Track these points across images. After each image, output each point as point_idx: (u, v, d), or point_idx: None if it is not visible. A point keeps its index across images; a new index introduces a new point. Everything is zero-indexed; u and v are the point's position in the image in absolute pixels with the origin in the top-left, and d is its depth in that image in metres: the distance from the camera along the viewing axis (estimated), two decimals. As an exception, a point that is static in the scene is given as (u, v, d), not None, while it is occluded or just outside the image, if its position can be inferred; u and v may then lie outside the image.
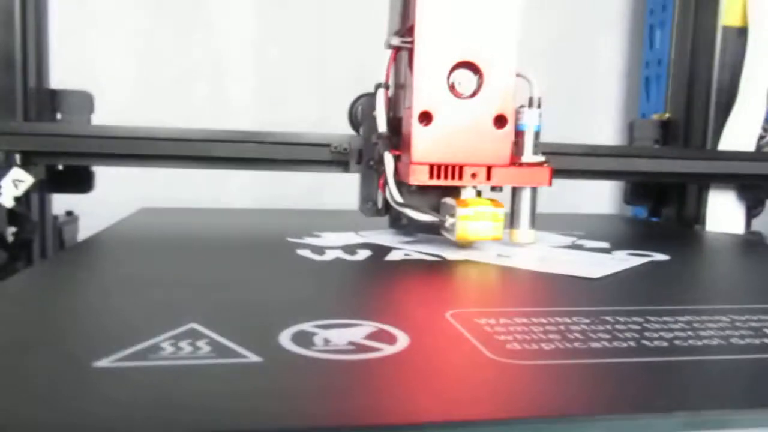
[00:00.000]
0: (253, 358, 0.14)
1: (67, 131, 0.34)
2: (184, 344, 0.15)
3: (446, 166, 0.29)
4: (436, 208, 0.30)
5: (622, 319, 0.18)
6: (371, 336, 0.16)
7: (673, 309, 0.19)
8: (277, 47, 0.74)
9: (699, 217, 0.46)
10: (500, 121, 0.29)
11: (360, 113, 0.36)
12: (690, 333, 0.17)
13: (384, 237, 0.34)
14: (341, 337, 0.16)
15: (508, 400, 0.13)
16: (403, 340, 0.15)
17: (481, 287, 0.24)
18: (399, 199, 0.30)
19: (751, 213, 0.45)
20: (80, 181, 0.40)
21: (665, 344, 0.16)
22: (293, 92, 0.74)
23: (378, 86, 0.32)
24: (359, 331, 0.16)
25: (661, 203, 0.50)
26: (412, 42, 0.29)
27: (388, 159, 0.31)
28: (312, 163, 0.36)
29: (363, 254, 0.28)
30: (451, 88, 0.29)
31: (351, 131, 0.38)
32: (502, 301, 0.21)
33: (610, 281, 0.24)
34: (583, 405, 0.12)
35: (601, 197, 0.74)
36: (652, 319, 0.18)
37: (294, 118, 0.71)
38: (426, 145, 0.29)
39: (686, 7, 0.46)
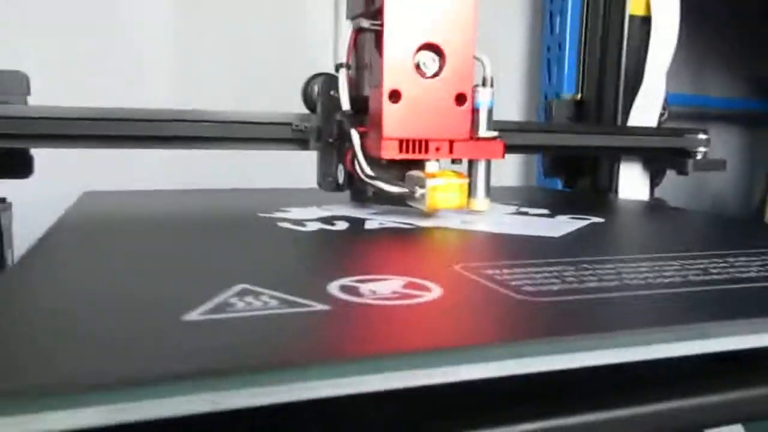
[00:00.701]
0: (320, 306, 0.16)
1: (5, 113, 0.32)
2: (250, 299, 0.16)
3: (414, 141, 0.31)
4: (400, 181, 0.33)
5: (598, 266, 0.21)
6: (407, 286, 0.18)
7: (631, 257, 0.23)
8: (197, 26, 0.73)
9: (611, 187, 0.52)
10: (460, 99, 0.32)
11: (316, 92, 0.38)
12: (654, 273, 0.20)
13: (349, 209, 0.36)
14: (383, 288, 0.18)
15: (547, 324, 0.15)
16: (435, 289, 0.18)
17: (468, 246, 0.26)
18: (370, 172, 0.32)
19: (654, 182, 0.52)
20: (18, 165, 0.39)
21: (637, 281, 0.19)
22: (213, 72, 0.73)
23: (339, 66, 0.34)
24: (394, 284, 0.18)
25: (576, 175, 0.55)
26: (380, 25, 0.31)
27: (355, 136, 0.33)
28: (274, 141, 0.38)
29: (342, 225, 0.30)
30: (416, 68, 0.31)
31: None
32: (494, 256, 0.24)
33: (571, 238, 0.28)
34: (602, 325, 0.15)
35: (509, 172, 0.80)
36: (620, 264, 0.22)
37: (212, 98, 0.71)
38: (395, 121, 0.31)
39: (596, 4, 0.51)
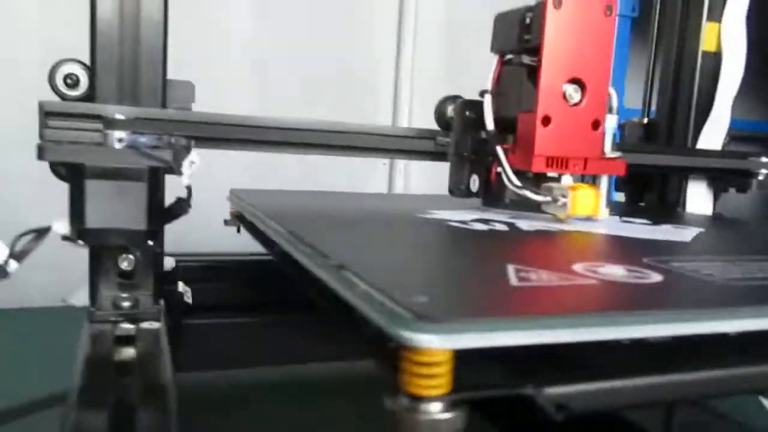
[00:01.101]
0: (585, 281, 0.22)
1: (232, 121, 0.39)
2: (533, 275, 0.22)
3: (558, 158, 0.38)
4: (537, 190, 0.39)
5: (744, 262, 0.27)
6: (629, 272, 0.24)
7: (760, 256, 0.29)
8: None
9: (678, 202, 0.58)
10: (596, 124, 0.39)
11: (448, 112, 0.44)
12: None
13: (484, 213, 0.42)
14: (614, 271, 0.24)
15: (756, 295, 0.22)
16: (653, 275, 0.24)
17: (632, 245, 0.32)
18: (518, 182, 0.38)
19: (716, 198, 0.58)
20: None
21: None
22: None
23: (483, 92, 0.41)
24: (617, 270, 0.24)
25: (642, 190, 0.61)
26: (538, 61, 0.37)
27: (501, 152, 0.39)
28: (418, 153, 0.44)
29: (501, 226, 0.36)
30: (563, 97, 0.38)
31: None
32: (663, 254, 0.30)
33: (700, 243, 0.34)
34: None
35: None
36: (753, 261, 0.28)
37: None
38: (545, 141, 0.37)
39: (671, 35, 0.58)
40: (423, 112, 0.97)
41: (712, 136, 0.57)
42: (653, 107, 0.62)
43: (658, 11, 0.61)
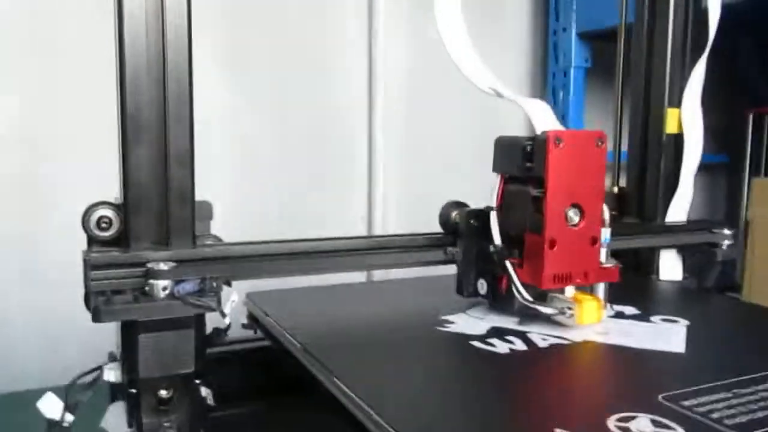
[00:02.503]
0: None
1: (264, 251, 0.41)
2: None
3: (562, 275, 0.42)
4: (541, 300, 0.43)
5: (753, 388, 0.32)
6: (657, 425, 0.28)
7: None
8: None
9: (649, 268, 0.64)
10: (593, 241, 0.43)
11: (460, 221, 0.48)
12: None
13: (497, 318, 0.45)
14: (644, 426, 0.28)
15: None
16: (677, 428, 0.28)
17: (639, 368, 0.37)
18: (528, 297, 0.42)
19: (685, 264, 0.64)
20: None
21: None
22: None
23: (490, 209, 0.45)
24: (648, 423, 0.29)
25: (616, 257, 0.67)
26: (543, 191, 0.41)
27: (510, 267, 0.43)
28: (429, 263, 0.47)
29: (518, 343, 0.40)
30: (566, 221, 0.42)
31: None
32: (670, 383, 0.34)
33: (693, 353, 0.38)
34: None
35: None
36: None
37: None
38: (552, 261, 0.42)
39: (636, 118, 0.64)
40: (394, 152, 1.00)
41: (679, 208, 0.63)
42: (621, 179, 0.68)
43: (620, 91, 0.66)
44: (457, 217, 0.48)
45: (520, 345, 0.40)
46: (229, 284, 0.40)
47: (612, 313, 0.47)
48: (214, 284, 0.38)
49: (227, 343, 0.58)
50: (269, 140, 0.93)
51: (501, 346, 0.39)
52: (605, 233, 0.44)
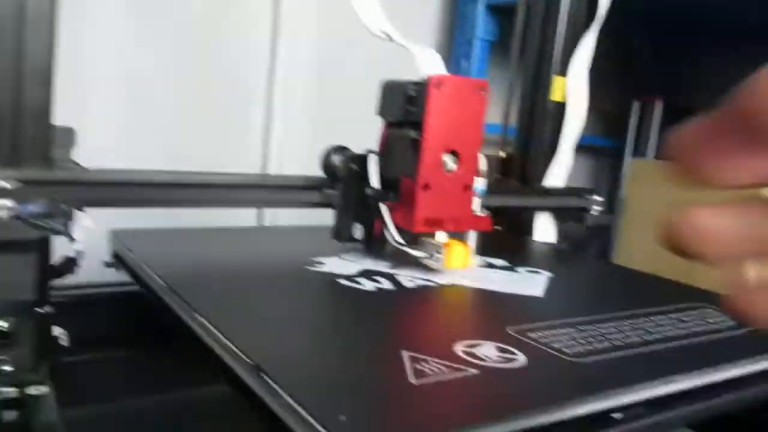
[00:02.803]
0: (473, 371, 0.27)
1: (123, 179, 0.39)
2: (426, 366, 0.27)
3: (436, 219, 0.43)
4: (414, 244, 0.44)
5: (593, 326, 0.34)
6: (501, 351, 0.29)
7: (606, 316, 0.36)
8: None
9: (526, 230, 0.66)
10: (467, 188, 0.44)
11: (336, 162, 0.47)
12: (636, 331, 0.33)
13: (370, 262, 0.45)
14: (488, 351, 0.29)
15: (601, 379, 0.27)
16: (520, 355, 0.29)
17: (495, 307, 0.38)
18: (400, 239, 0.43)
19: (559, 227, 0.67)
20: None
21: (632, 339, 0.32)
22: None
23: (370, 152, 0.45)
24: (491, 350, 0.29)
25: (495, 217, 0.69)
26: (421, 134, 0.41)
27: (385, 210, 0.43)
28: (304, 204, 0.47)
29: (385, 283, 0.40)
30: (441, 166, 0.43)
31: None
32: (521, 318, 0.35)
33: (551, 297, 0.40)
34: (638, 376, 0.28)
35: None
36: (603, 324, 0.34)
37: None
38: (425, 205, 0.42)
39: (526, 85, 0.66)
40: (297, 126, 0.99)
41: (557, 174, 0.65)
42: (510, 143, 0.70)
43: (516, 63, 0.68)
44: (338, 160, 0.47)
45: (387, 285, 0.40)
46: (80, 209, 0.37)
47: (482, 263, 0.49)
48: (64, 208, 0.36)
49: (95, 285, 0.55)
50: (162, 79, 0.88)
51: (368, 285, 0.40)
52: (480, 182, 0.45)
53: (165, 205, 0.41)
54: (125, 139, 0.84)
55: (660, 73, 1.29)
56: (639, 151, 1.22)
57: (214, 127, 0.92)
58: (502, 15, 1.08)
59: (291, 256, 0.46)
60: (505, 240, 0.64)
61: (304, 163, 0.97)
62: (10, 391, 0.35)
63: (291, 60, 0.97)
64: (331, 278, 0.40)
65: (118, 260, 0.48)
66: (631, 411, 0.27)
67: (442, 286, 0.41)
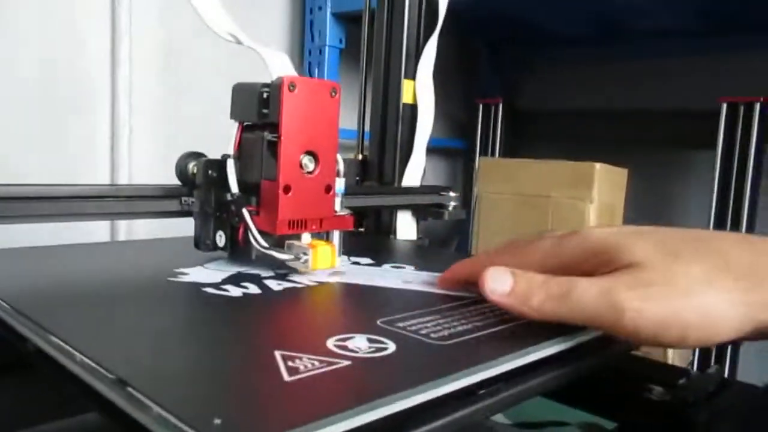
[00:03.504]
0: (345, 362, 0.27)
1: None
2: (299, 363, 0.27)
3: (298, 221, 0.43)
4: (279, 247, 0.43)
5: (464, 309, 0.36)
6: (372, 342, 0.30)
7: (457, 304, 0.38)
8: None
9: (390, 229, 0.68)
10: (328, 189, 0.44)
11: (197, 172, 0.46)
12: (476, 318, 0.36)
13: (233, 267, 0.45)
14: (360, 344, 0.30)
15: (463, 357, 0.29)
16: (389, 343, 0.30)
17: (363, 301, 0.39)
18: (264, 243, 0.42)
19: (419, 224, 0.70)
20: None
21: (481, 324, 0.34)
22: None
23: (227, 156, 0.44)
24: (363, 341, 0.30)
25: (361, 219, 0.70)
26: (277, 136, 0.41)
27: (247, 215, 0.43)
28: (164, 213, 0.44)
29: (252, 288, 0.40)
30: (300, 167, 0.43)
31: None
32: (389, 310, 0.36)
33: (414, 289, 0.42)
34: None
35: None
36: (453, 312, 0.36)
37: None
38: (287, 207, 0.42)
39: (377, 90, 0.68)
40: (144, 133, 0.94)
41: (413, 174, 0.68)
42: (365, 146, 0.72)
43: (364, 69, 0.70)
44: (194, 167, 0.46)
45: (254, 289, 0.39)
46: None
47: (349, 263, 0.49)
48: None
49: None
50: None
51: (234, 291, 0.39)
52: (339, 183, 0.46)
53: (14, 220, 0.37)
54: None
55: (498, 77, 1.39)
56: (485, 151, 1.31)
57: (54, 138, 0.85)
58: (348, 23, 1.10)
59: (151, 270, 0.43)
60: (369, 240, 0.65)
61: (154, 172, 0.93)
62: None
63: (133, 63, 0.92)
64: (196, 287, 0.39)
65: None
66: (491, 386, 0.28)
67: (310, 286, 0.41)
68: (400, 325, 0.33)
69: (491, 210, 0.97)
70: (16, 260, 0.45)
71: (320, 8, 1.06)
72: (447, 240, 1.27)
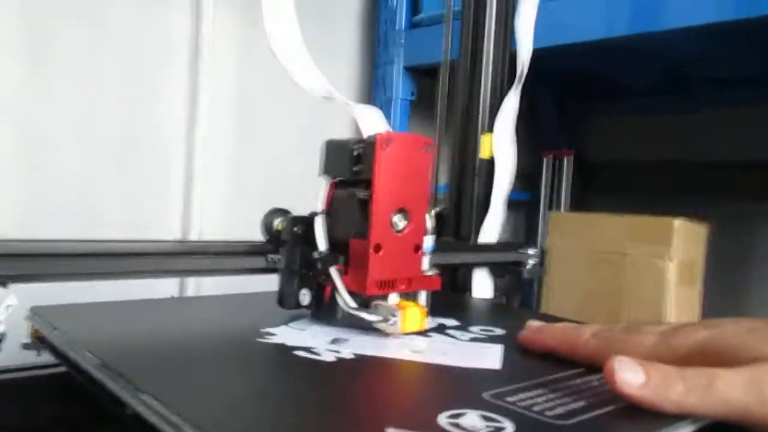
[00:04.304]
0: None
1: (51, 251, 0.35)
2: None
3: (388, 281, 0.41)
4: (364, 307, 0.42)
5: (569, 382, 0.33)
6: (486, 419, 0.28)
7: (562, 375, 0.35)
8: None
9: (466, 287, 0.66)
10: (417, 248, 0.43)
11: (282, 227, 0.45)
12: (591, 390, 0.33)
13: (320, 329, 0.43)
14: (477, 423, 0.27)
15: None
16: (507, 424, 0.28)
17: (465, 372, 0.36)
18: (353, 304, 0.41)
19: (496, 282, 0.67)
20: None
21: (600, 399, 0.31)
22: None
23: (315, 214, 0.43)
24: (476, 418, 0.28)
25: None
26: (369, 194, 0.40)
27: (335, 273, 0.41)
28: (249, 270, 0.44)
29: (346, 353, 0.37)
30: (391, 226, 0.41)
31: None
32: (492, 383, 0.34)
33: (509, 367, 0.38)
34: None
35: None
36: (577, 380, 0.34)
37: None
38: (378, 267, 0.40)
39: (455, 143, 0.67)
40: (215, 188, 0.95)
41: (490, 229, 0.66)
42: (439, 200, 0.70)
43: (438, 122, 0.69)
44: (280, 224, 0.45)
45: (347, 355, 0.37)
46: (5, 285, 0.33)
47: (434, 324, 0.47)
48: (-20, 284, 0.31)
49: (12, 370, 0.48)
50: (72, 140, 0.82)
51: (327, 356, 0.37)
52: (428, 241, 0.44)
53: (96, 277, 0.37)
54: (25, 205, 0.77)
55: (564, 129, 1.37)
56: (551, 204, 1.28)
57: (130, 190, 0.87)
58: (418, 76, 1.11)
59: (236, 327, 0.42)
60: (448, 298, 0.63)
61: (225, 223, 0.94)
62: None
63: (211, 119, 0.94)
64: (286, 350, 0.37)
65: (39, 340, 0.42)
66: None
67: (399, 361, 0.37)
68: (509, 399, 0.31)
69: (563, 266, 0.93)
70: (101, 314, 0.44)
71: (392, 62, 1.07)
72: (509, 295, 1.22)
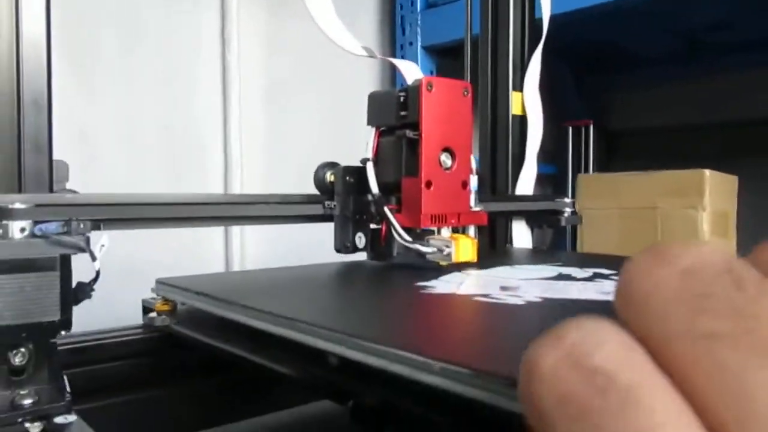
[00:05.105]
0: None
1: (135, 200, 0.38)
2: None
3: (439, 215, 0.44)
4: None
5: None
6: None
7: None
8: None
9: (505, 239, 0.69)
10: (464, 184, 0.46)
11: (335, 179, 0.48)
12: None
13: (468, 282, 0.39)
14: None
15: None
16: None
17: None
18: (408, 238, 0.44)
19: (534, 233, 0.70)
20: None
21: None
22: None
23: (365, 160, 0.46)
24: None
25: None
26: (419, 135, 0.43)
27: (389, 212, 0.44)
28: (308, 217, 0.47)
29: (529, 296, 0.34)
30: (439, 164, 0.44)
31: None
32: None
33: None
34: None
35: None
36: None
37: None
38: (429, 202, 0.44)
39: (485, 103, 0.70)
40: (251, 171, 0.99)
41: (526, 183, 0.69)
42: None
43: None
44: (332, 175, 0.48)
45: (532, 298, 0.34)
46: (99, 228, 0.36)
47: (590, 273, 0.42)
48: (81, 225, 0.35)
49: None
50: (114, 137, 0.87)
51: (511, 299, 0.34)
52: (473, 180, 0.47)
53: (177, 224, 0.40)
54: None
55: (584, 100, 1.39)
56: (577, 173, 1.29)
57: (170, 180, 0.91)
58: (436, 55, 1.14)
59: (391, 285, 0.42)
60: (491, 250, 0.66)
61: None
62: (36, 426, 0.33)
63: (243, 105, 0.98)
64: (464, 297, 0.35)
65: (169, 314, 0.43)
66: None
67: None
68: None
69: (594, 227, 0.95)
70: (228, 281, 0.46)
71: (411, 43, 1.10)
72: (540, 238, 1.23)
